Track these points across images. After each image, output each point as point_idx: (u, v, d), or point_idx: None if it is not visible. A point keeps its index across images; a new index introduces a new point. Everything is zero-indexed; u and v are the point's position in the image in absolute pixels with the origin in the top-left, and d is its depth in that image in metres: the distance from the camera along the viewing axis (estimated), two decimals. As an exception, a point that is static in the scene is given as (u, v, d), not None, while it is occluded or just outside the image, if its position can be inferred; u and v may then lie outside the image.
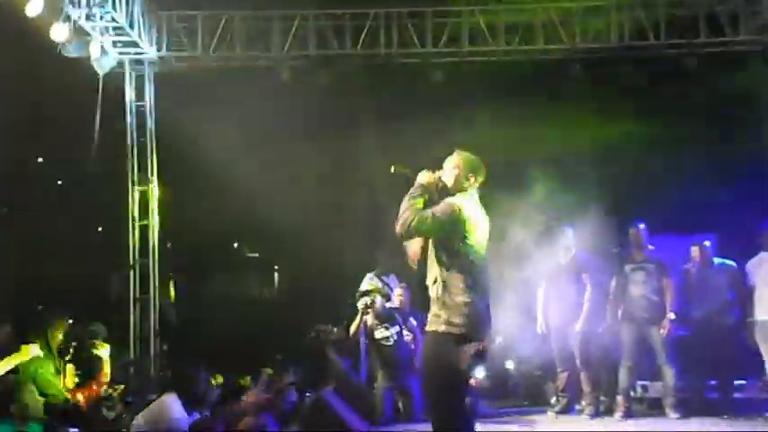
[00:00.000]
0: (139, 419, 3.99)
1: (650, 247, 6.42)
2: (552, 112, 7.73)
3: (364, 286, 7.49)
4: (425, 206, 3.56)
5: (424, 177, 3.64)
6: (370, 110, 8.61)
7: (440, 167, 3.71)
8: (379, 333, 6.56)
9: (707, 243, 6.55)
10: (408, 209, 3.53)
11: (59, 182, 10.54)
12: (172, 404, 3.86)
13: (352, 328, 6.69)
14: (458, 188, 3.67)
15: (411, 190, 3.60)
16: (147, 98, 7.79)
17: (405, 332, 6.72)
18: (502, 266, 6.22)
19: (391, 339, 6.55)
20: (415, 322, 6.84)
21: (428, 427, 3.59)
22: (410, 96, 7.98)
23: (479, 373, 6.44)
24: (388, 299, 7.00)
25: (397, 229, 3.54)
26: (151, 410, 3.89)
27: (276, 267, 12.72)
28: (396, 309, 6.81)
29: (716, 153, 8.03)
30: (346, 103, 8.37)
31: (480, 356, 3.54)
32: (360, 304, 6.60)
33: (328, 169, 8.96)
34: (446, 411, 3.56)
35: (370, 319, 6.58)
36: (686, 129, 7.92)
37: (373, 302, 6.56)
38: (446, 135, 7.14)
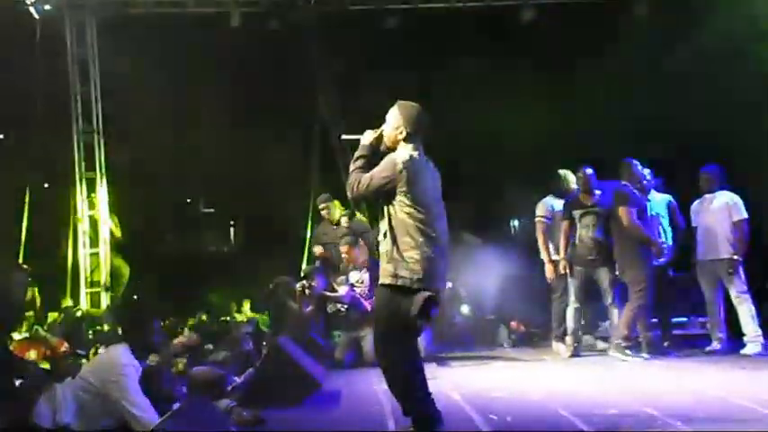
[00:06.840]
0: (85, 369, 3.85)
1: (597, 192, 6.55)
2: (509, 62, 7.73)
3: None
4: (371, 165, 3.57)
5: (367, 137, 3.66)
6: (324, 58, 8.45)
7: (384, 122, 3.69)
8: (331, 308, 6.70)
9: (645, 171, 6.43)
10: (352, 173, 3.58)
11: (1, 136, 10.11)
12: (121, 352, 3.76)
13: (296, 306, 6.74)
14: (395, 141, 3.63)
15: (356, 152, 3.62)
16: (88, 45, 7.46)
17: (356, 287, 6.75)
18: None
19: (342, 309, 6.66)
20: (366, 276, 6.86)
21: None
22: (362, 45, 7.84)
23: None
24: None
25: (348, 194, 3.62)
26: (99, 359, 3.78)
27: (232, 223, 12.59)
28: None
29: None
30: (298, 51, 8.19)
31: (431, 304, 3.54)
32: (297, 287, 6.70)
33: (283, 121, 8.81)
34: (393, 359, 3.59)
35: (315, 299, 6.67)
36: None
37: (311, 286, 6.63)
38: (400, 82, 7.07)
